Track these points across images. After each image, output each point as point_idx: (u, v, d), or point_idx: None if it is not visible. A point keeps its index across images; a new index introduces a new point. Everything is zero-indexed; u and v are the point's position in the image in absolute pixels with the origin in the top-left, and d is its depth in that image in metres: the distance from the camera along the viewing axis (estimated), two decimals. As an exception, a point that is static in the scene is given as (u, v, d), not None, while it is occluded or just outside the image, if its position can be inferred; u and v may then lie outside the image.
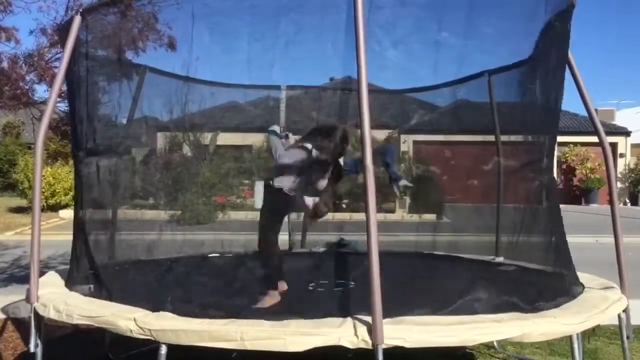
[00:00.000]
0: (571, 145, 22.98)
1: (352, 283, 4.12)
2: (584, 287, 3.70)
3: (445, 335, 2.75)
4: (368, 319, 2.67)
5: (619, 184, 22.43)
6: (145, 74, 4.76)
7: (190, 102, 5.09)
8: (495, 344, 4.58)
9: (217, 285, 3.87)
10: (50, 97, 3.68)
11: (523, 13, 3.83)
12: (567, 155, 23.28)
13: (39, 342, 3.40)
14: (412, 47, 4.41)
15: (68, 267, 3.97)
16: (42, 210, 4.40)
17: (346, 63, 4.16)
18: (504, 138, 5.13)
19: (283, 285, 4.09)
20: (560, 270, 3.71)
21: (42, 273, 3.76)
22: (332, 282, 4.30)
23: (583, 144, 22.32)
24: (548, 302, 3.21)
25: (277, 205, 4.18)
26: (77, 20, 3.62)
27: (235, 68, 5.12)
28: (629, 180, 24.12)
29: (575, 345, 3.17)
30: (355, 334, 2.67)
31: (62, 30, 4.27)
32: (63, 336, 4.52)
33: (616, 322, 3.71)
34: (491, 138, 5.23)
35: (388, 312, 2.71)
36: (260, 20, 4.33)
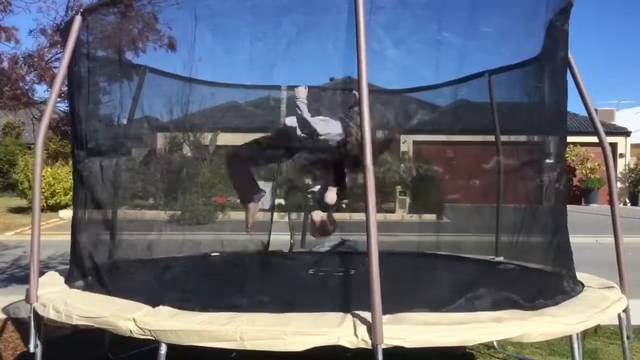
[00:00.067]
0: (571, 145, 22.94)
1: (352, 280, 4.13)
2: (583, 286, 3.70)
3: (445, 335, 2.75)
4: (368, 318, 2.67)
5: (619, 184, 22.42)
6: (146, 75, 4.76)
7: (191, 103, 5.09)
8: (495, 343, 4.58)
9: (217, 285, 3.88)
10: (50, 97, 3.68)
11: (524, 12, 3.83)
12: (567, 155, 23.24)
13: (38, 342, 3.40)
14: (413, 46, 4.41)
15: (68, 267, 3.97)
16: (42, 210, 4.39)
17: (347, 63, 4.17)
18: (504, 138, 5.13)
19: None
20: (561, 270, 3.71)
21: (41, 273, 3.76)
22: (332, 279, 4.31)
23: (583, 144, 22.30)
24: (548, 301, 3.21)
25: None
26: (78, 20, 3.62)
27: (236, 68, 5.12)
28: (629, 180, 24.13)
29: (575, 345, 3.17)
30: (355, 334, 2.66)
31: (63, 30, 4.27)
32: (63, 336, 4.52)
33: (616, 322, 3.71)
34: (491, 138, 5.23)
35: (388, 312, 2.71)
36: (261, 20, 4.32)
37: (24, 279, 5.80)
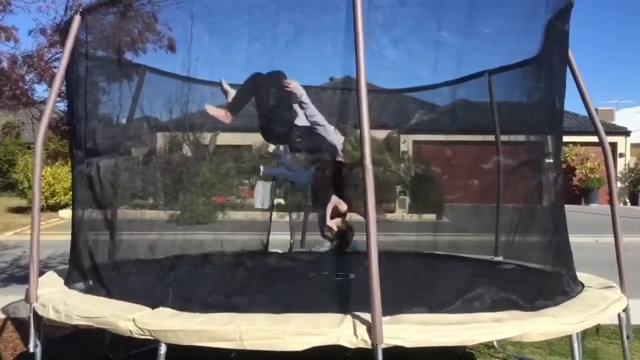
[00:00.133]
0: (571, 145, 22.97)
1: (352, 280, 4.13)
2: (583, 286, 3.70)
3: (444, 335, 2.75)
4: (367, 318, 2.67)
5: (619, 184, 22.42)
6: (145, 74, 4.76)
7: (190, 102, 5.08)
8: (495, 343, 4.58)
9: (217, 284, 3.87)
10: (50, 96, 3.68)
11: (523, 12, 3.82)
12: (567, 154, 23.25)
13: (38, 342, 3.40)
14: (412, 46, 4.40)
15: (67, 266, 3.97)
16: (42, 210, 4.39)
17: (345, 63, 4.16)
18: (504, 138, 5.13)
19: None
20: (561, 270, 3.71)
21: (41, 273, 3.76)
22: (331, 279, 4.31)
23: (583, 144, 22.32)
24: (547, 301, 3.21)
25: None
26: (77, 20, 3.62)
27: (235, 68, 5.11)
28: (629, 180, 24.13)
29: (575, 345, 3.17)
30: (355, 334, 2.66)
31: (62, 30, 4.27)
32: (62, 336, 4.52)
33: (616, 322, 3.71)
34: (491, 138, 5.23)
35: (387, 312, 2.71)
36: (259, 20, 4.32)
37: (24, 279, 5.79)
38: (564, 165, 23.40)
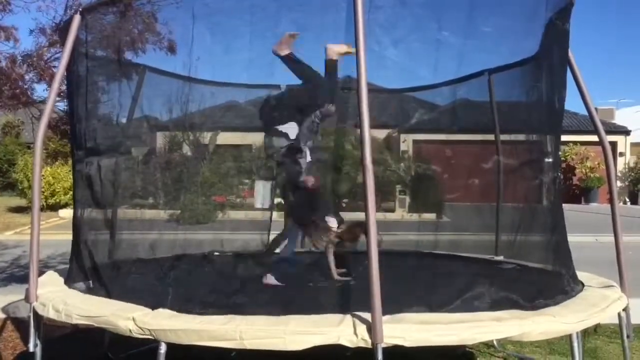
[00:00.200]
0: (571, 144, 22.98)
1: (352, 280, 4.13)
2: (583, 285, 3.70)
3: (445, 334, 2.74)
4: (367, 317, 2.67)
5: (619, 183, 22.44)
6: (145, 74, 4.76)
7: (190, 102, 5.09)
8: (495, 342, 4.58)
9: (217, 284, 3.88)
10: (50, 96, 3.67)
11: (523, 11, 3.82)
12: (566, 154, 23.27)
13: (38, 341, 3.40)
14: (412, 46, 4.41)
15: (67, 266, 3.97)
16: (42, 209, 4.40)
17: (346, 62, 4.17)
18: (504, 137, 5.13)
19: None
20: (560, 269, 3.71)
21: (41, 272, 3.76)
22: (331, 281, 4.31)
23: (583, 143, 22.32)
24: (548, 300, 3.21)
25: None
26: (77, 19, 3.61)
27: (235, 67, 5.12)
28: (629, 179, 24.14)
29: (575, 344, 3.17)
30: (355, 333, 2.66)
31: (62, 29, 4.26)
32: (62, 336, 4.52)
33: (616, 321, 3.70)
34: (491, 137, 5.23)
35: (387, 311, 2.71)
36: (261, 20, 4.32)
37: (24, 279, 5.79)
38: (564, 165, 23.42)
